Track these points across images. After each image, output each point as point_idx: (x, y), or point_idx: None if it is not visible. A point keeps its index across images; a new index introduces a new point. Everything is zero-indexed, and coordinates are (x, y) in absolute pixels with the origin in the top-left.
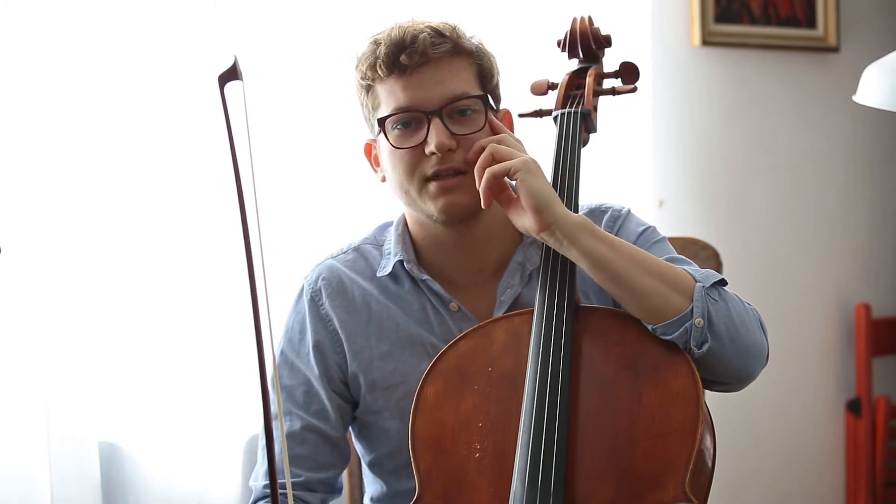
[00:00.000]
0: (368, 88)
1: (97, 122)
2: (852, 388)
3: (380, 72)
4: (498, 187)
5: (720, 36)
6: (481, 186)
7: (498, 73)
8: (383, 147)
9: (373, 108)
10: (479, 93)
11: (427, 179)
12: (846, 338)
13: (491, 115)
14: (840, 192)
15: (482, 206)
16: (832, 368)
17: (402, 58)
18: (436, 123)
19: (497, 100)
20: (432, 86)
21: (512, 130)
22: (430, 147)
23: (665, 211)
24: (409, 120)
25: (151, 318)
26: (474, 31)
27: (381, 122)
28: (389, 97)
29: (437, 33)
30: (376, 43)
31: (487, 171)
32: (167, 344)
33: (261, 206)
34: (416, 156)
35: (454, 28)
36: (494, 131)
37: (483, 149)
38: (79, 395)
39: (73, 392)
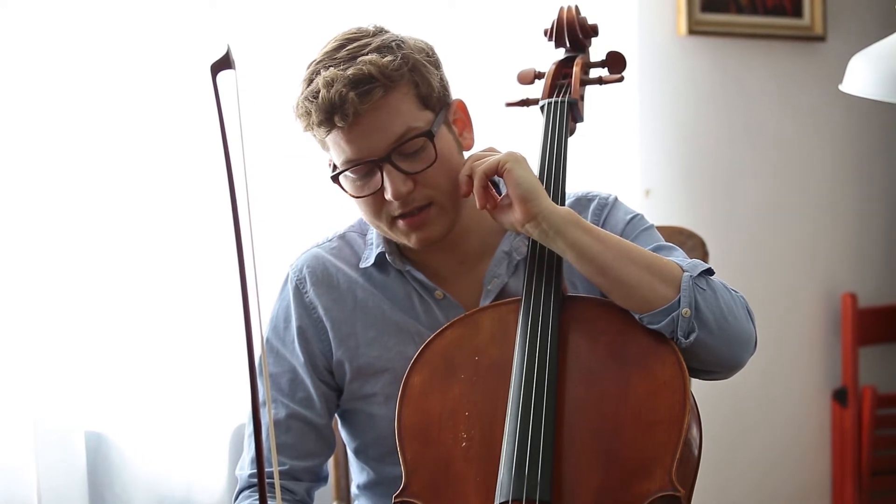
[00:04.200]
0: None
1: (91, 113)
2: (838, 378)
3: (317, 134)
4: (489, 186)
5: (707, 25)
6: (475, 188)
7: (438, 69)
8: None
9: (321, 147)
10: (423, 122)
11: (395, 219)
12: (832, 327)
13: (442, 135)
14: (827, 181)
15: (477, 206)
16: (818, 358)
17: (336, 119)
18: (388, 170)
19: (445, 101)
20: (374, 133)
21: (467, 117)
22: (388, 195)
23: (651, 200)
24: (361, 169)
25: (138, 308)
26: (398, 29)
27: (335, 178)
28: (335, 147)
29: (365, 79)
30: (308, 103)
31: (478, 170)
32: (153, 334)
33: (251, 197)
34: (377, 201)
35: (380, 65)
36: (445, 156)
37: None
38: (65, 384)
39: (59, 382)
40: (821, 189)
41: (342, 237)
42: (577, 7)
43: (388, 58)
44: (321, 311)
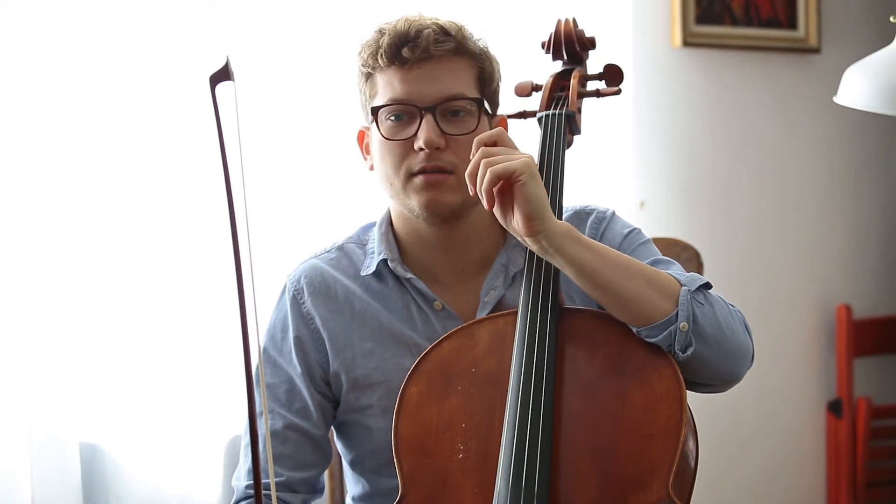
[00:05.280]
0: (368, 76)
1: (89, 117)
2: (833, 389)
3: (380, 61)
4: (499, 188)
5: (701, 37)
6: (483, 188)
7: (499, 78)
8: (374, 136)
9: (370, 97)
10: (476, 95)
11: (412, 175)
12: (827, 339)
13: (484, 122)
14: (822, 192)
15: (485, 207)
16: (813, 369)
17: (404, 51)
18: (427, 120)
19: (494, 105)
20: (430, 82)
21: None
22: (419, 142)
23: (646, 212)
24: (403, 113)
25: (134, 318)
26: (481, 35)
27: (375, 110)
28: (387, 87)
29: (443, 31)
30: (381, 32)
31: (490, 170)
32: (149, 345)
33: (249, 207)
34: (404, 149)
35: (460, 28)
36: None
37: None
38: (60, 395)
39: (54, 393)
40: (816, 201)
41: (340, 248)
42: (574, 20)
43: (468, 30)
44: (318, 322)
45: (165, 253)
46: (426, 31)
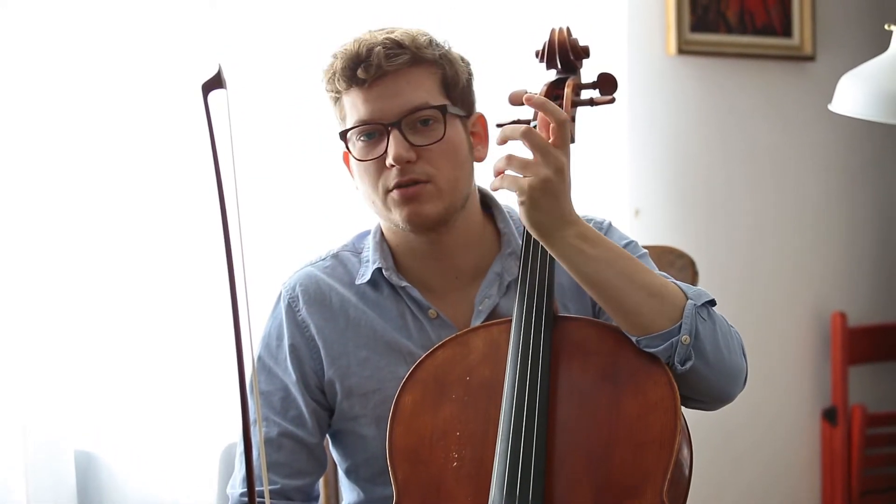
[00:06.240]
0: (336, 100)
1: (87, 119)
2: (828, 397)
3: (339, 85)
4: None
5: (696, 45)
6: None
7: (469, 77)
8: (352, 158)
9: (341, 120)
10: (440, 102)
11: (389, 191)
12: (822, 346)
13: (456, 126)
14: (817, 200)
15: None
16: (808, 377)
17: (359, 71)
18: (394, 135)
19: (468, 105)
20: (390, 98)
21: (485, 132)
22: (389, 159)
23: (641, 220)
24: (371, 132)
25: (128, 326)
26: (444, 36)
27: (343, 135)
28: (352, 109)
29: (395, 44)
30: (335, 57)
31: (501, 177)
32: (144, 352)
33: (243, 215)
34: (378, 168)
35: (414, 37)
36: (453, 143)
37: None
38: (55, 403)
39: (49, 400)
40: (810, 208)
41: (335, 256)
42: (568, 28)
43: (424, 37)
44: (313, 330)
45: (159, 260)
46: (377, 48)
